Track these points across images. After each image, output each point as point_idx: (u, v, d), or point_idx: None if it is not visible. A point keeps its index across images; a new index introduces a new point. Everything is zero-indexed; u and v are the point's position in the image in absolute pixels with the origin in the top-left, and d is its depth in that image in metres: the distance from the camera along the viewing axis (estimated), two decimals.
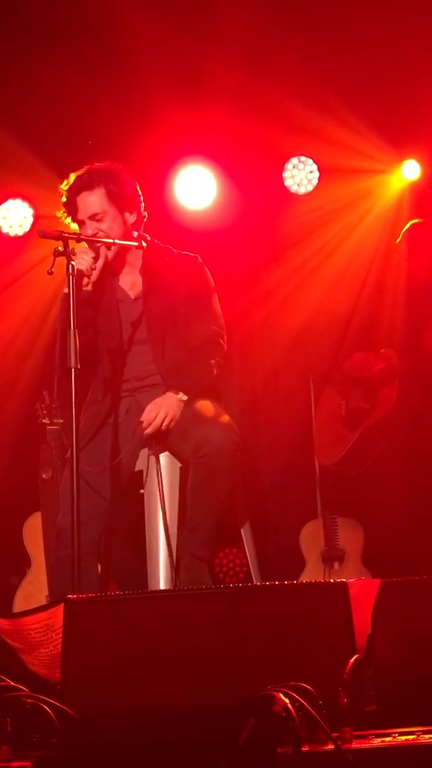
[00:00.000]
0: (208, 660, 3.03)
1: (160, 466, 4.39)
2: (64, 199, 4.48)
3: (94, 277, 4.30)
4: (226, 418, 4.38)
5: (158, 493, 4.37)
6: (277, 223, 6.05)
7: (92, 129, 5.68)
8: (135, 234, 4.52)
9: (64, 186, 4.48)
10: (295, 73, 5.66)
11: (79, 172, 4.47)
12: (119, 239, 4.42)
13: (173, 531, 4.34)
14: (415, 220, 4.97)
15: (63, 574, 4.10)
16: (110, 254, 4.41)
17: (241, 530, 4.72)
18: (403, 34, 5.56)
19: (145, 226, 4.58)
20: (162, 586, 4.29)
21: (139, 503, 4.47)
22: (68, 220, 4.49)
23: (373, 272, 5.81)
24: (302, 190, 6.03)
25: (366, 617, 3.07)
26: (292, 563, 5.72)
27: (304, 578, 5.62)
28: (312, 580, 5.29)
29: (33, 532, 5.59)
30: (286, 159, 6.00)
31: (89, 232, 4.41)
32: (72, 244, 4.08)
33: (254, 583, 4.57)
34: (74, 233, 4.30)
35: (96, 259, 4.31)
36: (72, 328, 3.94)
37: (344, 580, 3.09)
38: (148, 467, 4.45)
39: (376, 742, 2.66)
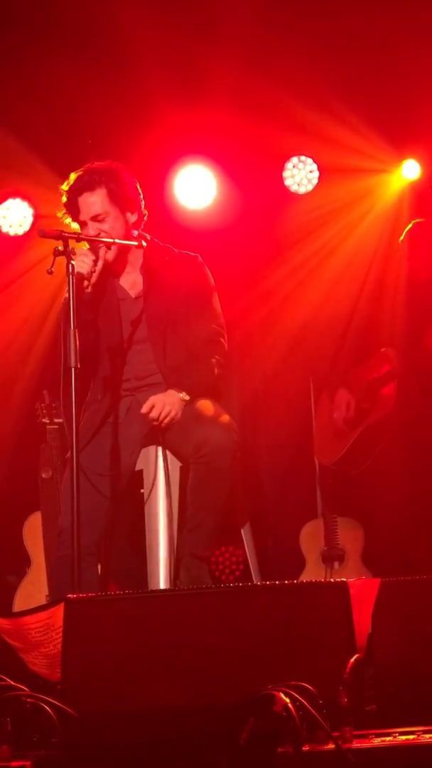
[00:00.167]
0: (209, 660, 3.03)
1: (167, 458, 4.38)
2: (64, 200, 4.46)
3: (93, 280, 4.30)
4: (226, 417, 4.38)
5: (161, 488, 4.37)
6: (277, 223, 6.04)
7: (92, 128, 5.68)
8: (135, 233, 4.52)
9: (64, 187, 4.46)
10: (295, 72, 5.65)
11: (79, 172, 4.45)
12: (120, 239, 4.41)
13: (173, 531, 4.34)
14: (418, 219, 4.97)
15: (63, 573, 4.10)
16: (110, 255, 4.40)
17: (241, 530, 4.72)
18: (403, 33, 5.56)
19: (145, 226, 4.58)
20: (162, 586, 4.29)
21: (139, 503, 4.46)
22: (69, 220, 4.48)
23: (373, 272, 5.80)
24: (302, 190, 6.03)
25: (366, 617, 3.07)
26: (292, 563, 5.72)
27: (304, 578, 5.62)
28: (312, 580, 5.29)
29: (33, 531, 5.59)
30: (286, 158, 6.00)
31: (91, 232, 4.40)
32: (72, 244, 4.07)
33: (254, 582, 4.57)
34: (74, 233, 4.29)
35: (96, 261, 4.31)
36: (72, 328, 3.94)
37: (344, 579, 3.09)
38: (147, 466, 4.45)
39: (377, 741, 2.66)
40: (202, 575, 4.27)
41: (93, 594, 3.60)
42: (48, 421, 5.53)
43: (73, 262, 4.02)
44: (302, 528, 5.81)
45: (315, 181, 6.00)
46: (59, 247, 4.00)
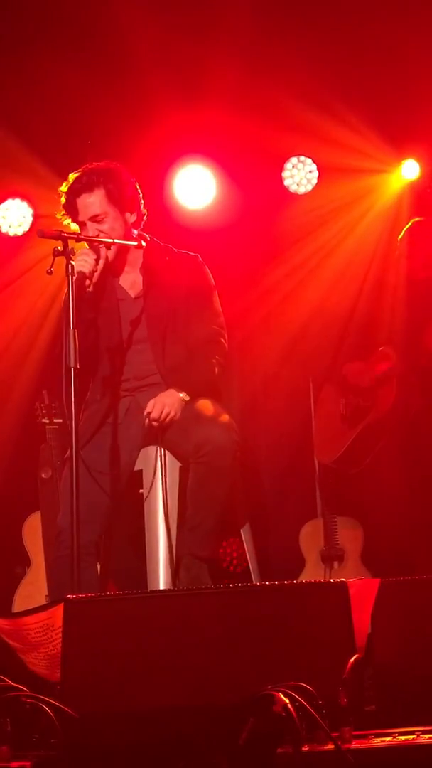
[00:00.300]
0: (208, 660, 3.03)
1: (165, 459, 4.38)
2: (63, 201, 4.45)
3: (95, 279, 4.29)
4: (226, 417, 4.38)
5: (160, 488, 4.37)
6: (276, 223, 6.05)
7: (92, 128, 5.69)
8: (135, 233, 4.52)
9: (63, 188, 4.46)
10: (295, 72, 5.66)
11: (78, 173, 4.45)
12: (120, 239, 4.41)
13: (173, 531, 4.34)
14: (417, 218, 4.97)
15: (62, 573, 4.10)
16: (111, 254, 4.40)
17: (241, 530, 4.72)
18: (402, 33, 5.56)
19: (145, 226, 4.58)
20: (161, 586, 4.29)
21: (139, 503, 4.46)
22: (68, 221, 4.48)
23: (373, 271, 5.81)
24: (302, 190, 6.03)
25: (366, 617, 3.07)
26: (291, 563, 5.72)
27: (304, 578, 5.62)
28: (312, 580, 5.29)
29: (32, 531, 5.59)
30: (286, 158, 6.00)
31: (90, 233, 4.39)
32: (71, 244, 4.07)
33: (254, 582, 4.57)
34: (73, 233, 4.29)
35: (98, 260, 4.30)
36: (72, 328, 3.93)
37: (344, 579, 3.09)
38: (147, 466, 4.45)
39: (376, 742, 2.65)
40: (202, 575, 4.27)
41: (92, 594, 3.60)
42: (48, 421, 5.53)
43: (72, 262, 4.02)
44: (302, 528, 5.81)
45: (314, 181, 6.00)
46: (58, 248, 4.00)
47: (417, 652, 3.04)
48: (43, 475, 5.51)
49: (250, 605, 3.09)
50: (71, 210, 4.44)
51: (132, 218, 4.49)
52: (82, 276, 4.17)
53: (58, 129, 5.78)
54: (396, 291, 4.94)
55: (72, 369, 3.91)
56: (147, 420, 4.33)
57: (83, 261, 4.21)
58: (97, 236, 4.37)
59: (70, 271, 4.00)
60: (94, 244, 4.35)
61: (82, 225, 4.43)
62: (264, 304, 6.06)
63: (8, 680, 3.01)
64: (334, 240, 6.05)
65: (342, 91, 5.71)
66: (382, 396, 5.14)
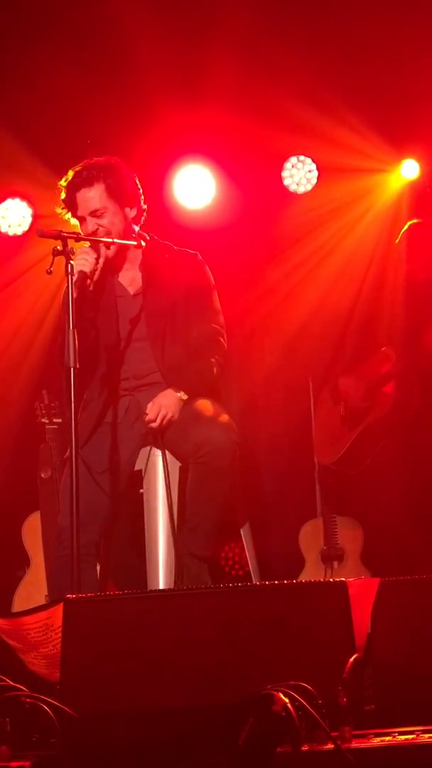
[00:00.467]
0: (208, 659, 3.03)
1: (166, 459, 4.38)
2: (63, 195, 4.44)
3: (96, 277, 4.29)
4: (225, 417, 4.37)
5: (160, 487, 4.37)
6: (276, 223, 6.05)
7: (91, 128, 5.68)
8: (136, 228, 4.51)
9: (62, 182, 4.45)
10: (295, 72, 5.66)
11: (77, 168, 4.44)
12: (120, 234, 4.40)
13: (173, 530, 4.33)
14: (414, 220, 4.97)
15: (62, 573, 4.09)
16: (111, 253, 4.39)
17: (241, 530, 4.72)
18: (402, 33, 5.56)
19: (145, 225, 4.57)
20: (161, 586, 4.29)
21: (139, 503, 4.46)
22: (68, 216, 4.47)
23: (372, 271, 5.81)
24: (301, 189, 6.03)
25: (365, 616, 3.07)
26: (291, 562, 5.73)
27: (304, 577, 5.62)
28: (311, 580, 5.29)
29: (32, 531, 5.59)
30: (285, 158, 6.00)
31: (90, 228, 4.38)
32: (71, 243, 4.07)
33: (254, 582, 4.57)
34: (73, 232, 4.27)
35: (98, 259, 4.30)
36: (71, 328, 3.93)
37: (344, 579, 3.09)
38: (147, 466, 4.45)
39: (376, 741, 2.65)
40: (202, 575, 4.27)
41: (92, 594, 3.60)
42: (47, 421, 5.53)
43: (72, 261, 4.02)
44: (301, 527, 5.81)
45: (314, 180, 6.01)
46: (58, 247, 4.00)
47: (417, 651, 3.04)
48: (42, 475, 5.51)
49: (250, 605, 3.09)
50: (71, 205, 4.43)
51: (132, 213, 4.48)
52: (82, 275, 4.16)
53: (58, 129, 5.77)
54: (395, 292, 4.94)
55: (72, 369, 3.91)
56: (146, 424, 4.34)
57: (83, 260, 4.20)
58: (97, 230, 4.36)
59: (69, 270, 4.00)
60: (94, 243, 4.34)
61: (81, 220, 4.41)
62: (263, 304, 6.06)
63: (8, 680, 3.01)
64: (333, 240, 6.05)
65: (342, 91, 5.71)
66: (381, 397, 5.14)
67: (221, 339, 4.53)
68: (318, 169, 5.99)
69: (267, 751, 2.66)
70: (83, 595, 3.38)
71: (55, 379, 5.10)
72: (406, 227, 4.94)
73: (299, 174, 6.01)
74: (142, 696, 3.02)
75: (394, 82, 5.70)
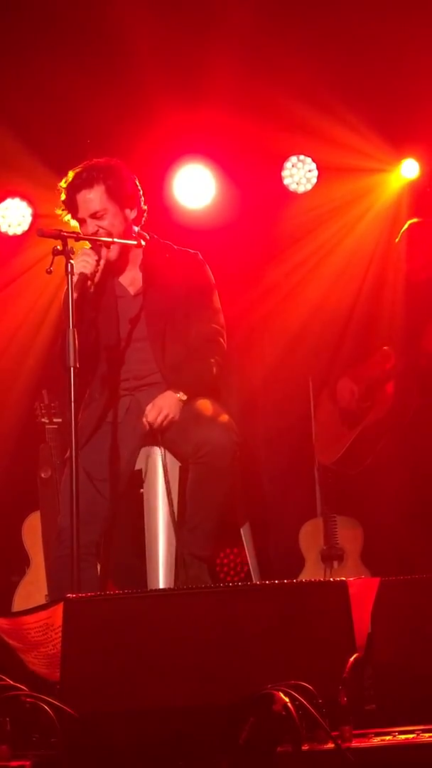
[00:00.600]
0: (208, 659, 3.03)
1: (165, 459, 4.38)
2: (63, 197, 4.44)
3: (97, 279, 4.29)
4: (225, 417, 4.37)
5: (160, 487, 4.37)
6: (276, 222, 6.05)
7: (92, 128, 5.68)
8: (136, 230, 4.51)
9: (62, 184, 4.45)
10: (295, 72, 5.66)
11: (78, 170, 4.43)
12: (120, 236, 4.39)
13: (173, 530, 4.33)
14: (414, 220, 4.97)
15: (62, 573, 4.09)
16: (113, 254, 4.38)
17: (241, 530, 4.72)
18: (402, 33, 5.56)
19: (145, 225, 4.57)
20: (161, 586, 4.29)
21: (139, 503, 4.46)
22: (68, 217, 4.46)
23: (372, 271, 5.81)
24: (301, 189, 6.03)
25: (366, 616, 3.07)
26: (291, 562, 5.73)
27: (304, 577, 5.62)
28: (311, 579, 5.28)
29: (32, 531, 5.59)
30: (285, 158, 6.00)
31: (90, 230, 4.38)
32: (71, 243, 4.06)
33: (254, 582, 4.57)
34: (73, 232, 4.27)
35: (99, 261, 4.29)
36: (71, 327, 3.92)
37: (344, 578, 3.09)
38: (147, 466, 4.44)
39: (376, 740, 2.65)
40: (202, 574, 4.27)
41: (92, 594, 3.60)
42: (47, 421, 5.53)
43: (72, 261, 4.01)
44: (301, 527, 5.81)
45: (314, 180, 6.01)
46: (58, 247, 3.99)
47: (417, 651, 3.04)
48: (42, 475, 5.50)
49: (250, 604, 3.09)
50: (71, 206, 4.43)
51: (132, 215, 4.47)
52: (83, 277, 4.15)
53: (57, 129, 5.77)
54: (395, 292, 4.94)
55: (72, 369, 3.91)
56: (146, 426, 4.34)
57: (84, 262, 4.20)
58: (97, 232, 4.36)
59: (69, 270, 4.00)
60: (94, 244, 4.34)
61: (81, 221, 4.41)
62: (263, 305, 6.06)
63: (8, 680, 3.01)
64: (333, 239, 6.05)
65: (342, 91, 5.71)
66: (381, 396, 5.14)
67: (221, 339, 4.52)
68: (318, 168, 5.99)
69: (267, 751, 2.66)
70: (83, 595, 3.38)
71: (55, 379, 5.10)
72: (406, 227, 4.94)
73: (299, 174, 6.01)
74: (142, 696, 3.02)
75: (394, 82, 5.70)
